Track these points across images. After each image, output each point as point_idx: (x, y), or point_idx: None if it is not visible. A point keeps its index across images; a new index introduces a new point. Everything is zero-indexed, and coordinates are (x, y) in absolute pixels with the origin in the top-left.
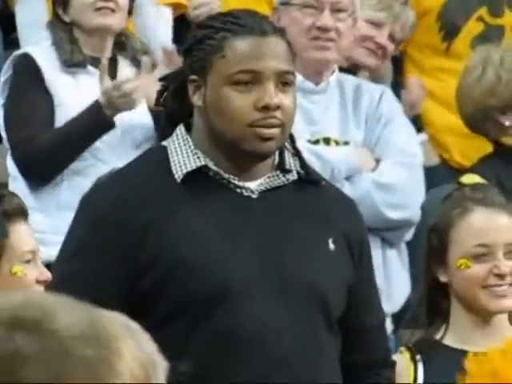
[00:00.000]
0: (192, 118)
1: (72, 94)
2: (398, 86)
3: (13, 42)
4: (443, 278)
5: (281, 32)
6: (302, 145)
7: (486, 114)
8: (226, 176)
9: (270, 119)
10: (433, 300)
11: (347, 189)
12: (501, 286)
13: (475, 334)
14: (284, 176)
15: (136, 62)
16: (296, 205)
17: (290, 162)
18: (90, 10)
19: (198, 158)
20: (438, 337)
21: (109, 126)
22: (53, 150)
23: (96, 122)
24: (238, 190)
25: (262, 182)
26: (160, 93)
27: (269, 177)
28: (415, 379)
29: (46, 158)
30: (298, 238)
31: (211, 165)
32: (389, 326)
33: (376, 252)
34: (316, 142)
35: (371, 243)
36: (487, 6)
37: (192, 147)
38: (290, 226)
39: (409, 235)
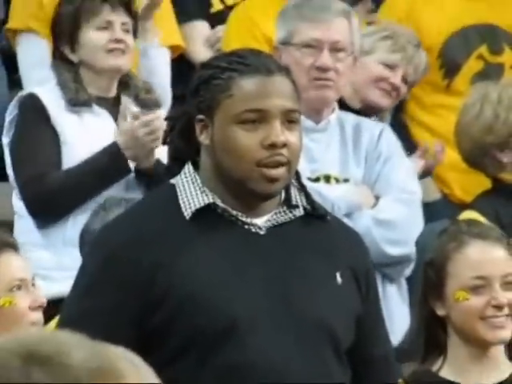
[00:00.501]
0: (199, 156)
1: (78, 132)
2: (398, 124)
3: (17, 82)
4: (440, 312)
5: (286, 71)
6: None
7: (484, 151)
8: (234, 213)
9: (277, 157)
10: (430, 333)
11: None
12: (498, 317)
13: (472, 366)
14: (291, 212)
15: (139, 101)
16: (303, 240)
17: (297, 197)
18: (102, 51)
19: (206, 195)
20: (434, 369)
21: (125, 169)
22: (64, 191)
23: (113, 164)
24: (246, 227)
25: (269, 218)
26: (167, 132)
27: (276, 213)
28: None
29: (56, 199)
30: (305, 272)
31: (219, 202)
32: None
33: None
34: (316, 179)
35: None
36: (487, 44)
37: (200, 185)
38: (297, 260)
39: (408, 270)
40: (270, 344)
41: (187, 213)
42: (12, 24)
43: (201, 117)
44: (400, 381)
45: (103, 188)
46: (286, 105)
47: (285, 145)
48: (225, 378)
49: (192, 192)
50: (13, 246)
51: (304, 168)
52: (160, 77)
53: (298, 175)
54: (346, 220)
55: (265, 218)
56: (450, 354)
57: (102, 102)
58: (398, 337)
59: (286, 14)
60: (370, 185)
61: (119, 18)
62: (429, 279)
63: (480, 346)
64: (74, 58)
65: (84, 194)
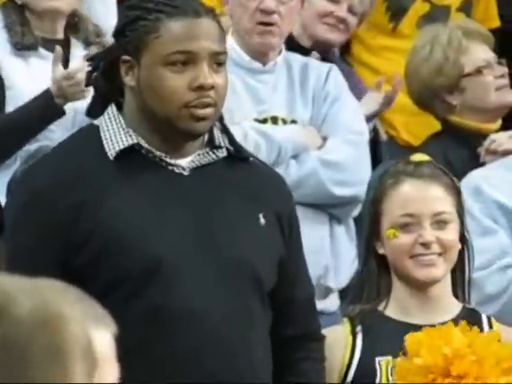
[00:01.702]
0: (123, 97)
1: (23, 77)
2: (345, 65)
3: None
4: (381, 250)
5: (213, 13)
6: (249, 124)
7: (434, 93)
8: (158, 154)
9: (205, 98)
10: (374, 272)
11: (293, 167)
12: (426, 255)
13: (415, 305)
14: (214, 153)
15: (89, 44)
16: (226, 181)
17: (220, 138)
18: None
19: (130, 136)
20: (380, 308)
21: (59, 114)
22: (2, 136)
23: (46, 110)
24: (170, 168)
25: (192, 159)
26: (90, 72)
27: (199, 154)
28: (353, 350)
29: None
30: (228, 212)
31: (143, 143)
32: (336, 301)
33: (323, 228)
34: (264, 121)
35: (319, 220)
36: None
37: (124, 126)
38: (220, 202)
39: (356, 211)
40: (192, 285)
41: (111, 153)
42: None
43: (126, 58)
44: (344, 319)
45: (38, 132)
46: (214, 47)
47: (212, 87)
48: (149, 318)
49: (116, 133)
50: None
51: (251, 109)
52: (106, 20)
53: (220, 117)
54: (292, 161)
55: (189, 158)
56: (394, 293)
57: (50, 44)
58: (345, 276)
59: None
60: (318, 126)
61: None
62: (370, 219)
63: (415, 285)
64: (18, 0)
65: (19, 138)
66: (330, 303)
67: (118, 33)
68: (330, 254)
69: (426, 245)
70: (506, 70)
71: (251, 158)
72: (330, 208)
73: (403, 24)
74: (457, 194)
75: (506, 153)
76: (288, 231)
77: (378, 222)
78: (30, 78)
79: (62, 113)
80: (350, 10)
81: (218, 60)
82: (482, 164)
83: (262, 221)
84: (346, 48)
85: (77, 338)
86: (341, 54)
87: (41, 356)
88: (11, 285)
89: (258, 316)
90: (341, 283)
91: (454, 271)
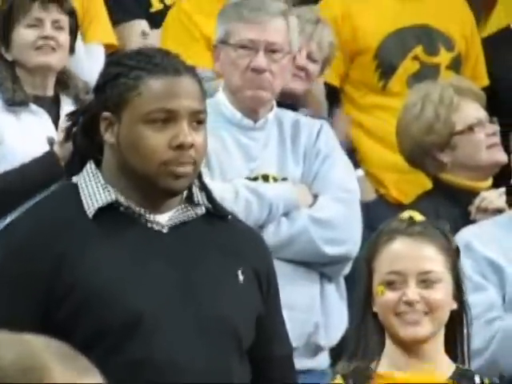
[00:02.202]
0: (101, 154)
1: (14, 132)
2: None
3: None
4: (374, 308)
5: (193, 71)
6: (240, 181)
7: (425, 151)
8: (137, 210)
9: (184, 157)
10: (371, 330)
11: (285, 225)
12: (409, 313)
13: (404, 363)
14: (193, 210)
15: (78, 101)
16: (205, 238)
17: (198, 195)
18: (31, 49)
19: (109, 192)
20: (373, 366)
21: (60, 176)
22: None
23: (48, 173)
24: (149, 225)
25: (171, 216)
26: (69, 128)
27: (178, 210)
28: None
29: None
30: (207, 270)
31: (122, 200)
32: (326, 359)
33: (314, 286)
34: (255, 178)
35: (310, 278)
36: (423, 45)
37: (102, 182)
38: (199, 259)
39: (347, 269)
40: (173, 341)
41: (90, 211)
42: None
43: (106, 114)
44: (337, 376)
45: (35, 194)
46: (194, 106)
47: (191, 145)
48: (129, 373)
49: (95, 190)
50: None
51: (243, 167)
52: (92, 74)
53: (199, 174)
54: (283, 219)
55: (168, 214)
56: (386, 350)
57: (40, 100)
58: (336, 334)
59: (224, 14)
60: (309, 183)
61: (50, 16)
62: (365, 276)
63: (402, 343)
64: (8, 56)
65: (16, 201)
66: (320, 361)
67: (99, 89)
68: (320, 312)
69: (409, 303)
70: (497, 128)
71: (229, 216)
72: (321, 266)
73: (393, 82)
74: (452, 254)
75: (496, 211)
76: (266, 288)
77: (371, 280)
78: (21, 133)
79: (62, 175)
80: (309, 57)
81: (197, 118)
82: (473, 221)
83: (241, 277)
84: (336, 106)
85: None
86: (330, 113)
87: None
88: None
89: (237, 371)
90: (331, 341)
91: (448, 331)
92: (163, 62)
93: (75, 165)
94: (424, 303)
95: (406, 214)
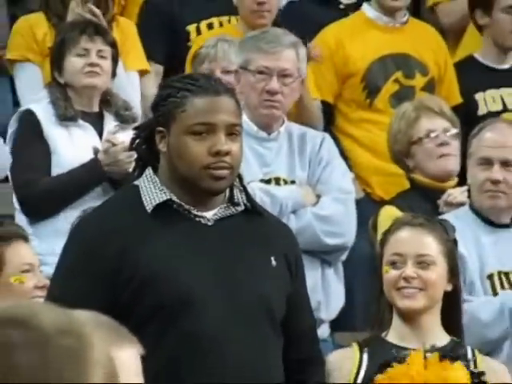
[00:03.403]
0: (158, 161)
1: (65, 143)
2: (329, 134)
3: (17, 102)
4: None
5: (231, 92)
6: (256, 184)
7: (396, 157)
8: (187, 207)
9: (221, 163)
10: (381, 305)
11: (292, 221)
12: (407, 288)
13: (407, 333)
14: (233, 207)
15: (119, 117)
16: (244, 230)
17: (238, 196)
18: (79, 73)
19: (164, 193)
20: (383, 335)
21: (102, 180)
22: (50, 197)
23: (92, 177)
24: (197, 219)
25: (216, 212)
26: (133, 140)
27: (221, 208)
28: (359, 368)
29: (43, 202)
30: (246, 256)
31: (175, 198)
32: (327, 330)
33: (316, 270)
34: (268, 181)
35: (313, 264)
36: (402, 71)
37: (159, 185)
38: (239, 247)
39: (344, 256)
40: (217, 316)
41: (148, 207)
42: (11, 55)
43: (160, 128)
44: (354, 343)
45: (82, 194)
46: (230, 120)
47: (227, 153)
48: (180, 343)
49: (152, 191)
50: (23, 237)
51: (258, 171)
52: (131, 97)
53: (240, 178)
54: (292, 216)
55: (212, 211)
56: (393, 322)
57: (87, 116)
58: (334, 310)
59: (244, 44)
60: (313, 186)
61: (95, 46)
62: (377, 259)
63: (402, 314)
64: (61, 80)
65: (66, 200)
66: (321, 332)
67: (154, 108)
68: (321, 292)
69: (407, 279)
70: (447, 139)
71: (265, 213)
72: (322, 254)
73: (378, 100)
74: (448, 244)
75: (459, 204)
76: (294, 271)
77: (381, 263)
78: (71, 143)
79: (105, 179)
80: (224, 71)
81: (233, 130)
82: (442, 214)
83: (274, 262)
84: (329, 120)
85: (97, 346)
86: (326, 126)
87: (58, 357)
88: (39, 306)
89: (272, 341)
90: (331, 315)
91: (444, 309)
92: (205, 84)
93: (137, 170)
94: (419, 280)
95: (385, 210)
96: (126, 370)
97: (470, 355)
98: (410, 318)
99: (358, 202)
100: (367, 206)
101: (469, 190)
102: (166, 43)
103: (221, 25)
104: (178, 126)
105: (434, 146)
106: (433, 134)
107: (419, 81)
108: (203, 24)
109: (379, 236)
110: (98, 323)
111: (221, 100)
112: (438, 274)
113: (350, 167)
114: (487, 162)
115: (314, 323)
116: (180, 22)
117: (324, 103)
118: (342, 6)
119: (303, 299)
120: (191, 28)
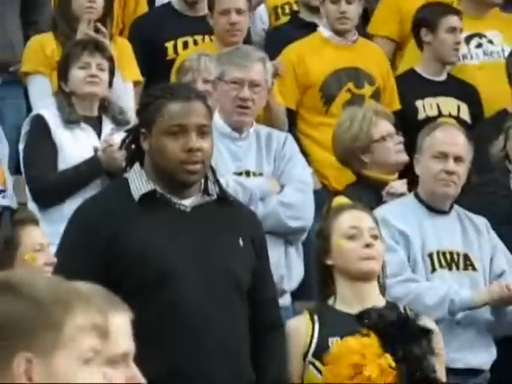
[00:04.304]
0: (144, 158)
1: (70, 143)
2: (292, 135)
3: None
4: (329, 262)
5: (202, 97)
6: (230, 176)
7: (352, 153)
8: (168, 196)
9: (193, 157)
10: (323, 278)
11: (260, 207)
12: (368, 254)
13: (353, 300)
14: (208, 196)
15: (115, 120)
16: (216, 216)
17: (212, 187)
18: (82, 83)
19: (149, 184)
20: (330, 303)
21: (100, 174)
22: (58, 187)
23: (92, 172)
24: (177, 207)
25: (193, 200)
26: (123, 140)
27: (197, 196)
28: (312, 333)
29: (52, 192)
30: (218, 238)
31: (158, 189)
32: (288, 299)
33: (280, 249)
34: (240, 173)
35: (277, 243)
36: (353, 82)
37: (145, 177)
38: (212, 230)
39: (303, 237)
40: (193, 287)
41: (136, 196)
42: (25, 68)
43: (143, 130)
44: (304, 312)
45: (84, 186)
46: (200, 121)
47: (199, 149)
48: (163, 313)
49: (139, 182)
50: (35, 221)
51: (231, 166)
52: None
53: (213, 171)
54: (260, 203)
55: (190, 200)
56: (338, 291)
57: (88, 120)
58: (295, 282)
59: (220, 58)
60: (277, 177)
61: (95, 60)
62: (319, 242)
63: (359, 279)
64: (66, 88)
65: (70, 190)
66: (284, 300)
67: (138, 113)
68: (284, 267)
69: (367, 245)
70: (402, 139)
71: (235, 201)
72: (286, 235)
73: (333, 107)
74: (378, 224)
75: (400, 195)
76: (259, 250)
77: (328, 243)
78: (75, 144)
79: (102, 173)
80: (206, 82)
81: (204, 130)
82: (385, 203)
83: (241, 243)
84: (293, 123)
85: (81, 314)
86: (290, 128)
87: (42, 297)
88: (38, 274)
89: (238, 307)
90: (292, 286)
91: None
92: (179, 91)
93: (128, 166)
94: (375, 250)
95: (337, 200)
96: (119, 333)
97: (403, 312)
98: (364, 280)
99: (316, 192)
100: (323, 196)
101: (409, 183)
102: (146, 58)
103: (195, 42)
104: (157, 128)
105: (392, 145)
106: (391, 135)
107: (368, 90)
108: (179, 41)
109: (319, 224)
110: (95, 292)
111: (191, 104)
112: (381, 247)
113: (310, 163)
114: (443, 156)
115: (276, 294)
116: (159, 39)
117: (287, 109)
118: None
119: (267, 274)
120: (169, 45)
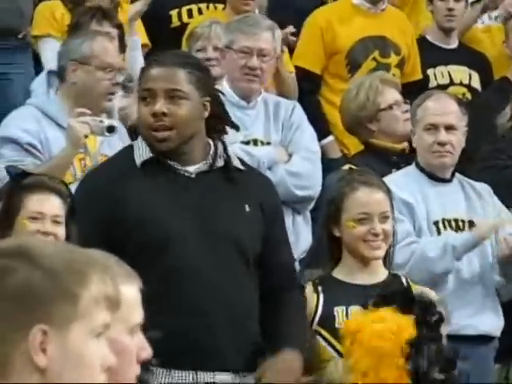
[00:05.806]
0: None
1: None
2: (312, 104)
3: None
4: (337, 234)
5: (182, 64)
6: (237, 145)
7: (359, 122)
8: (172, 163)
9: (160, 122)
10: (330, 248)
11: (268, 175)
12: (375, 241)
13: (357, 272)
14: (214, 163)
15: (124, 87)
16: (221, 182)
17: (220, 154)
18: None
19: (151, 151)
20: (333, 274)
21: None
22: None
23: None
24: (181, 172)
25: (199, 166)
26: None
27: (203, 163)
28: (317, 303)
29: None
30: (221, 203)
31: (160, 157)
32: (297, 267)
33: (288, 217)
34: (247, 142)
35: (285, 212)
36: (379, 50)
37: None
38: (216, 195)
39: (311, 206)
40: (195, 251)
41: (138, 163)
42: (35, 32)
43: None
44: (309, 282)
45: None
46: (168, 86)
47: (164, 114)
48: (165, 277)
49: (142, 150)
50: (52, 190)
51: (239, 134)
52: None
53: (222, 140)
54: (268, 172)
55: (195, 166)
56: (343, 263)
57: None
58: (303, 249)
59: (229, 26)
60: (285, 146)
61: (103, 29)
62: (330, 211)
63: (363, 260)
64: None
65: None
66: None
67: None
68: (292, 236)
69: (375, 235)
70: (409, 107)
71: (245, 168)
72: (293, 204)
73: (358, 74)
74: (391, 196)
75: None
76: (271, 216)
77: (339, 215)
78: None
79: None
80: (216, 49)
81: (174, 94)
82: (393, 171)
83: (247, 209)
84: (317, 90)
85: (95, 284)
86: (312, 93)
87: (55, 267)
88: (45, 242)
89: (244, 277)
90: (299, 254)
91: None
92: (159, 58)
93: (133, 135)
94: (383, 234)
95: (346, 167)
96: (130, 303)
97: (405, 284)
98: (367, 262)
99: (336, 160)
100: (342, 165)
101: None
102: (151, 26)
103: (199, 10)
104: (138, 93)
105: (400, 113)
106: (398, 103)
107: (393, 59)
108: (184, 9)
109: (332, 192)
110: (107, 261)
111: (164, 70)
112: (391, 224)
113: (331, 130)
114: (434, 127)
115: (291, 259)
116: (164, 7)
117: (312, 73)
118: None
119: (281, 240)
120: (173, 12)
